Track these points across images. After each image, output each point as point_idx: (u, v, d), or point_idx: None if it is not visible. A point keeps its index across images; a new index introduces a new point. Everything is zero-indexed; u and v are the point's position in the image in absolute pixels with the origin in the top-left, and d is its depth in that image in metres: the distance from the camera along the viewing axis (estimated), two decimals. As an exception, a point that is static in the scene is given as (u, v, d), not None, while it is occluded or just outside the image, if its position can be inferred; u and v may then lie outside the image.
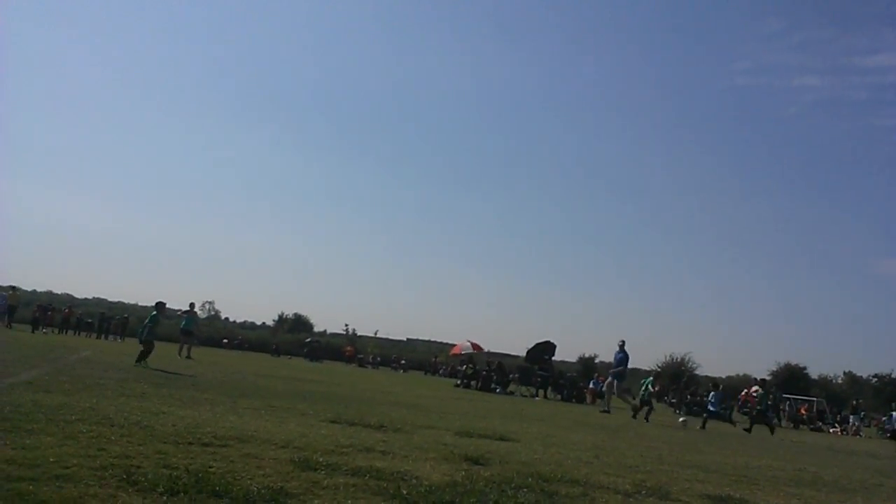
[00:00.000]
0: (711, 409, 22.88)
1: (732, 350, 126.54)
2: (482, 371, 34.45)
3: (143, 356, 17.82)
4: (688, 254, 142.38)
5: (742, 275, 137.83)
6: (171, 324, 33.50)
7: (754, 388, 32.14)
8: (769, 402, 22.27)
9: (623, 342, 23.96)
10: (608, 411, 23.11)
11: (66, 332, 44.56)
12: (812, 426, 35.82)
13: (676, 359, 72.48)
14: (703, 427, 20.92)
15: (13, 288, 42.81)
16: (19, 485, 3.97)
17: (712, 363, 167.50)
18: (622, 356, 23.88)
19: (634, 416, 21.20)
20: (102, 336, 44.87)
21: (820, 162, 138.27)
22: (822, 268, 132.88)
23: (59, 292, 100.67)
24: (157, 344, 19.19)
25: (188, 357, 24.92)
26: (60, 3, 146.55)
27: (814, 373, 70.27)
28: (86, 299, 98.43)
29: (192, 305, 28.47)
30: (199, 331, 34.94)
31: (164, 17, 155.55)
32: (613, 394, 24.38)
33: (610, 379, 24.81)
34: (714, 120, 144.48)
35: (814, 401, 43.53)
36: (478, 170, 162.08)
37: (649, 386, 24.18)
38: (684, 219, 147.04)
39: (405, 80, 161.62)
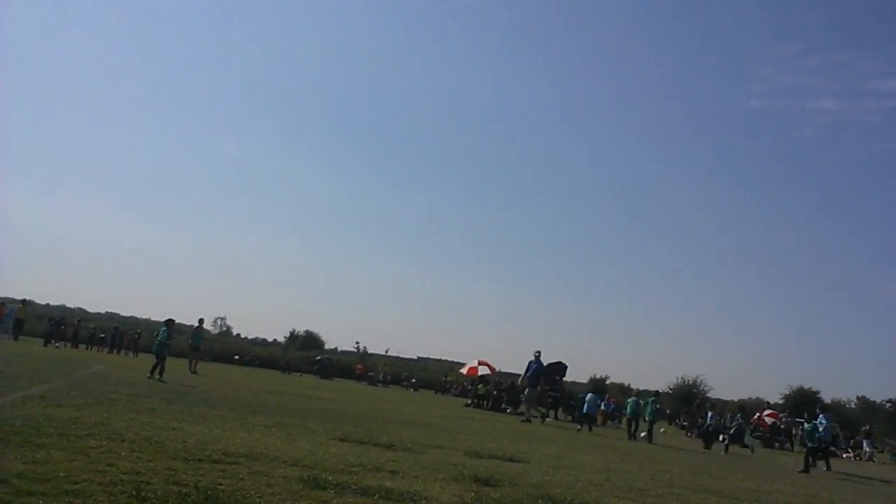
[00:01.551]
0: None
1: (745, 373, 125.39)
2: (493, 391, 34.45)
3: (154, 369, 19.20)
4: (702, 275, 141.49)
5: (755, 297, 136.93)
6: (184, 339, 33.86)
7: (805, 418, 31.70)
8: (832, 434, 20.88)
9: (538, 352, 24.99)
10: (528, 421, 23.80)
11: (78, 347, 44.66)
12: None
13: (688, 381, 72.06)
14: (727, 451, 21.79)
15: (24, 302, 43.05)
16: (29, 499, 3.99)
17: (724, 386, 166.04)
18: (537, 366, 24.85)
19: (529, 419, 23.33)
20: (115, 351, 44.96)
21: (834, 184, 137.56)
22: (836, 291, 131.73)
23: (73, 306, 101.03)
24: (169, 360, 20.40)
25: (194, 372, 25.06)
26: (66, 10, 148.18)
27: (827, 397, 69.44)
28: (98, 314, 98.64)
29: (200, 321, 28.62)
30: (205, 346, 35.40)
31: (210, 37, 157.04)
32: (534, 405, 25.63)
33: (527, 390, 25.50)
34: (729, 142, 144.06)
35: (827, 425, 43.04)
36: (492, 187, 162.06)
37: (651, 406, 24.51)
38: (699, 240, 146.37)
39: (426, 94, 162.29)
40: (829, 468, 19.17)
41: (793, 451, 33.63)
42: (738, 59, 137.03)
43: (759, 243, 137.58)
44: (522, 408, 25.02)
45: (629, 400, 27.07)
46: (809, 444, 18.76)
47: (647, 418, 24.61)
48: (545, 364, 32.89)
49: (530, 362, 25.11)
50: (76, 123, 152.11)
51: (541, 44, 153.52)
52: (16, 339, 37.69)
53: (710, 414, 28.33)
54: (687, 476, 10.75)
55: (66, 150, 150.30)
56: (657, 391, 32.27)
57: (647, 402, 25.64)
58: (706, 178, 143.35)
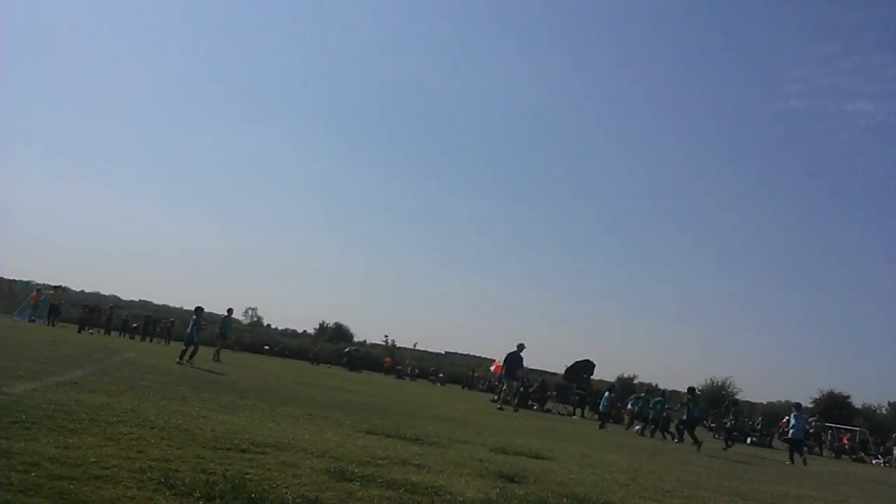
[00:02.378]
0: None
1: (775, 376, 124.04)
2: (520, 388, 34.42)
3: (183, 354, 21.18)
4: (736, 276, 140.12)
5: (787, 300, 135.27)
6: (213, 328, 34.32)
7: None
8: (697, 414, 22.36)
9: (521, 345, 25.66)
10: (501, 408, 24.43)
11: (111, 333, 45.26)
12: (854, 456, 34.92)
13: (717, 383, 71.36)
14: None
15: (57, 288, 43.75)
16: (60, 483, 4.05)
17: (754, 388, 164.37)
18: (513, 356, 25.54)
19: (500, 408, 24.10)
20: (147, 338, 45.53)
21: (873, 187, 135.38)
22: (870, 295, 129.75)
23: (107, 294, 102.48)
24: (200, 347, 22.26)
25: (217, 360, 25.39)
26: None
27: (857, 402, 68.37)
28: (132, 301, 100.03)
29: (229, 311, 28.88)
30: (235, 336, 36.19)
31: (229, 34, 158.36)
32: (513, 394, 26.40)
33: (507, 380, 26.24)
34: (767, 143, 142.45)
35: (856, 430, 42.44)
36: (526, 185, 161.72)
37: (660, 406, 25.13)
38: (733, 243, 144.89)
39: (462, 91, 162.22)
40: (805, 463, 20.76)
41: (821, 455, 33.19)
42: (776, 59, 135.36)
43: (795, 246, 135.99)
44: (500, 398, 25.90)
45: (632, 397, 27.57)
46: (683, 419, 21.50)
47: (650, 418, 25.51)
48: (584, 361, 33.48)
49: (509, 353, 25.83)
50: (113, 116, 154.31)
51: (574, 40, 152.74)
52: (52, 324, 38.34)
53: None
54: (714, 478, 10.65)
55: (106, 143, 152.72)
56: (663, 392, 32.73)
57: (655, 402, 26.12)
58: (741, 178, 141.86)
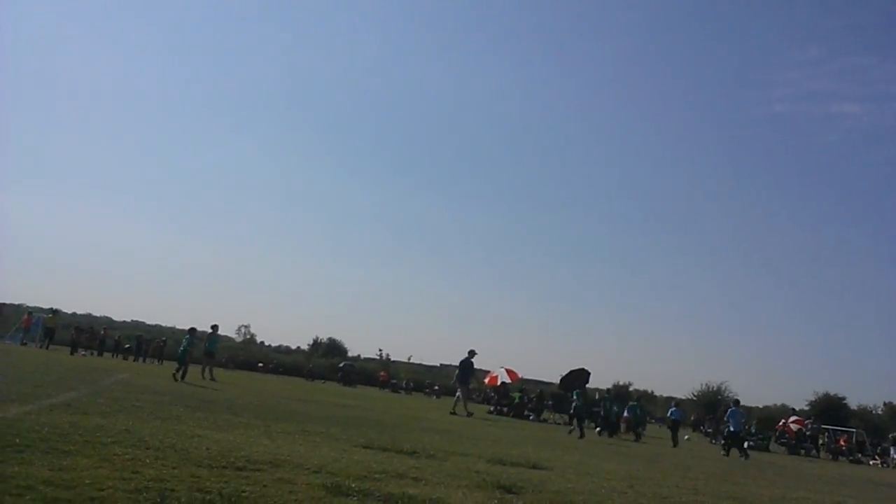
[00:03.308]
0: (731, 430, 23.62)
1: (770, 379, 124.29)
2: (523, 398, 34.56)
3: (176, 372, 22.02)
4: (727, 281, 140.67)
5: (781, 303, 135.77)
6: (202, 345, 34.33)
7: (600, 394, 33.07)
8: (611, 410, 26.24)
9: (472, 351, 26.08)
10: (455, 413, 24.44)
11: (103, 355, 45.03)
12: (851, 458, 34.94)
13: (712, 388, 71.47)
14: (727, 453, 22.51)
15: (53, 311, 43.54)
16: (55, 506, 4.03)
17: (749, 392, 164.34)
18: (465, 363, 26.00)
19: (453, 412, 24.38)
20: (140, 359, 45.34)
21: (860, 188, 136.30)
22: (862, 296, 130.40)
23: (99, 315, 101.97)
24: (192, 365, 23.45)
25: (211, 379, 25.29)
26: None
27: (853, 403, 68.62)
28: (124, 322, 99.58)
29: (213, 328, 28.79)
30: (230, 354, 36.58)
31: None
32: (469, 399, 26.65)
33: (460, 386, 26.40)
34: (753, 147, 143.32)
35: (853, 432, 42.50)
36: (516, 195, 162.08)
37: (635, 411, 26.53)
38: (723, 247, 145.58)
39: (450, 102, 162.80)
40: (746, 457, 21.48)
41: (819, 458, 33.22)
42: (762, 63, 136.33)
43: (785, 249, 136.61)
44: (458, 404, 25.75)
45: (603, 400, 28.50)
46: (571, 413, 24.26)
47: (613, 420, 27.46)
48: (579, 370, 33.87)
49: (461, 360, 26.20)
50: (100, 132, 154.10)
51: (564, 50, 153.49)
52: (47, 347, 38.18)
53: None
54: (712, 483, 10.66)
55: (95, 164, 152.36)
56: (639, 397, 33.65)
57: (630, 406, 27.80)
58: (730, 183, 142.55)
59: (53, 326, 40.50)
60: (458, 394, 26.35)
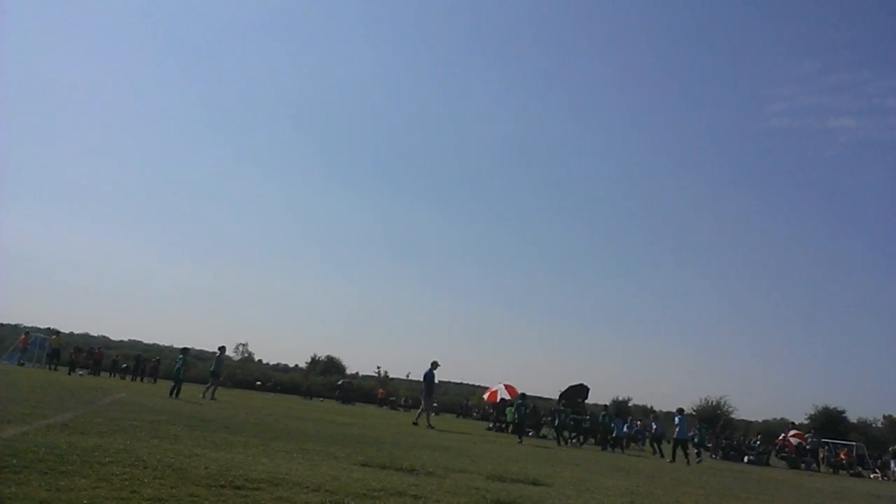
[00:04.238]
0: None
1: (770, 393, 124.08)
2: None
3: (172, 390, 23.55)
4: (725, 295, 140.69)
5: (779, 317, 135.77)
6: (205, 365, 34.56)
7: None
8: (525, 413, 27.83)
9: (435, 362, 26.48)
10: (416, 423, 25.09)
11: (100, 374, 44.90)
12: (852, 471, 34.83)
13: (712, 402, 71.34)
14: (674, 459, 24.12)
15: (55, 332, 43.75)
16: (53, 527, 4.01)
17: (749, 406, 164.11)
18: (428, 375, 26.42)
19: (415, 422, 25.13)
20: (137, 378, 45.22)
21: (857, 203, 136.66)
22: (861, 310, 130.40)
23: (96, 334, 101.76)
24: (184, 385, 24.73)
25: (213, 398, 25.22)
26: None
27: (853, 416, 68.53)
28: (121, 341, 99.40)
29: (221, 349, 28.77)
30: (227, 373, 37.21)
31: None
32: (432, 411, 27.42)
33: (425, 398, 26.82)
34: (751, 162, 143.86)
35: (853, 445, 42.40)
36: (515, 212, 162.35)
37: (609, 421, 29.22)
38: (721, 261, 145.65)
39: (447, 120, 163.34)
40: (689, 463, 23.43)
41: (819, 471, 33.12)
42: (757, 78, 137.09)
43: (783, 263, 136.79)
44: (421, 415, 26.21)
45: (585, 417, 30.07)
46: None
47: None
48: (578, 385, 34.73)
49: (425, 372, 26.61)
50: (96, 151, 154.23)
51: (562, 65, 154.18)
52: (55, 368, 38.44)
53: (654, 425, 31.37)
54: (712, 498, 10.62)
55: (91, 183, 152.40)
56: (617, 408, 34.88)
57: (603, 417, 30.18)
58: (728, 198, 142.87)
59: (58, 347, 40.80)
60: (422, 405, 26.69)
